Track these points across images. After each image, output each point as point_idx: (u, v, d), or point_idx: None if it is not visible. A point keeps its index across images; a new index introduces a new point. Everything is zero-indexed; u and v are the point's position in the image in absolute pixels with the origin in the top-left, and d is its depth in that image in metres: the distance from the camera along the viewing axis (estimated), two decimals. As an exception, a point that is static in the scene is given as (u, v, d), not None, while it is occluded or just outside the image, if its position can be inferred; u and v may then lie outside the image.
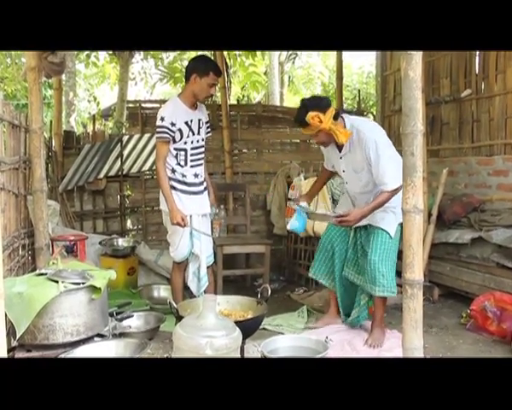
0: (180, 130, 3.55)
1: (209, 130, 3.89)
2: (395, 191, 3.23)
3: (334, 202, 5.26)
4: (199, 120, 3.69)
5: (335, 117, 3.32)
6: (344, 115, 3.48)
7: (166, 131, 3.50)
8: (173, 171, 3.62)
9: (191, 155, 3.67)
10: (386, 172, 3.23)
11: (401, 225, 3.24)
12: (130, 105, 6.43)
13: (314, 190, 3.94)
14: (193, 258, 3.75)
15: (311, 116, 3.24)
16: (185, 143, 3.61)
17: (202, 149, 3.77)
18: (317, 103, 3.32)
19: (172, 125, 3.51)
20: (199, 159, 3.74)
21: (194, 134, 3.65)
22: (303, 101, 3.44)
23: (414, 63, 2.28)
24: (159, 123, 3.52)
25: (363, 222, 3.48)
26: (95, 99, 11.99)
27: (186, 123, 3.59)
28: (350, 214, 3.35)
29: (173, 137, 3.55)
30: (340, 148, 3.48)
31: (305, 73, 14.48)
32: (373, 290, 3.44)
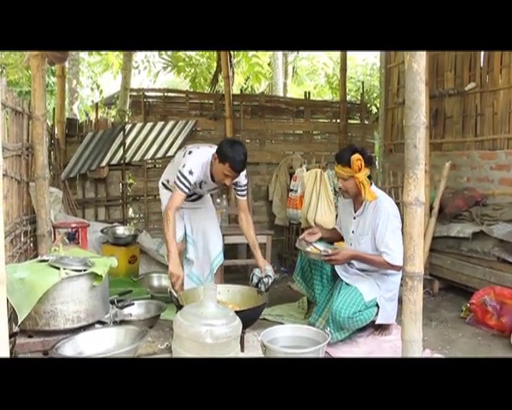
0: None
1: (244, 193, 3.68)
2: (391, 266, 3.29)
3: (336, 193, 5.27)
4: (214, 188, 3.68)
5: (369, 177, 3.40)
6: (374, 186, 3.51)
7: (188, 186, 3.38)
8: (167, 180, 3.75)
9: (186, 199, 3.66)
10: (390, 242, 3.26)
11: (377, 307, 3.37)
12: (134, 93, 6.42)
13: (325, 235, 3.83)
14: (186, 262, 3.86)
15: (356, 158, 3.27)
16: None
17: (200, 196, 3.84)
18: (363, 153, 3.36)
19: (195, 183, 3.45)
20: (195, 198, 3.82)
21: (201, 188, 3.64)
22: (351, 145, 3.54)
23: (418, 56, 2.27)
24: (185, 173, 3.35)
25: (345, 278, 3.44)
26: (98, 87, 11.95)
27: (200, 183, 3.54)
28: (339, 253, 3.37)
29: None
30: (356, 208, 3.53)
31: (308, 63, 14.41)
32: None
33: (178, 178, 3.36)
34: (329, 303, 3.46)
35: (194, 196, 3.81)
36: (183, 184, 3.35)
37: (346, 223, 3.66)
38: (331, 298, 3.49)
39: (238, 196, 3.68)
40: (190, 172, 3.36)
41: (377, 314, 3.41)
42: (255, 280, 3.45)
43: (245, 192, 3.67)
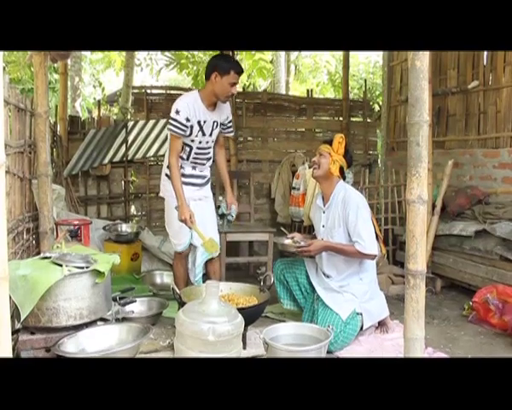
0: (191, 127, 3.51)
1: (231, 130, 3.85)
2: (363, 255, 3.34)
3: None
4: (213, 122, 3.63)
5: (344, 177, 3.59)
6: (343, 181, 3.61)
7: (179, 126, 3.46)
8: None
9: (195, 153, 3.65)
10: (362, 231, 3.32)
11: (361, 314, 3.35)
12: (136, 91, 6.43)
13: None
14: (192, 249, 3.77)
15: (340, 136, 3.51)
16: (192, 140, 3.58)
17: (209, 150, 3.75)
18: (348, 148, 3.58)
19: (187, 120, 3.47)
20: (202, 158, 3.72)
21: (204, 135, 3.61)
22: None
23: (421, 54, 2.26)
24: (173, 115, 3.46)
25: (321, 293, 3.43)
26: (100, 84, 11.97)
27: (199, 122, 3.54)
28: (311, 245, 3.44)
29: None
30: (325, 202, 3.58)
31: (311, 61, 14.39)
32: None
33: (169, 123, 3.49)
34: (315, 316, 3.43)
35: (198, 181, 3.74)
36: (174, 125, 3.47)
37: (317, 218, 3.70)
38: (314, 313, 3.47)
39: (227, 135, 3.90)
40: (177, 112, 3.46)
41: (363, 320, 3.41)
42: (219, 212, 3.79)
43: (232, 128, 3.87)
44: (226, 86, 3.45)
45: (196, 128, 3.54)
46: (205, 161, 3.75)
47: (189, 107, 3.48)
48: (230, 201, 3.76)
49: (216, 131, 3.69)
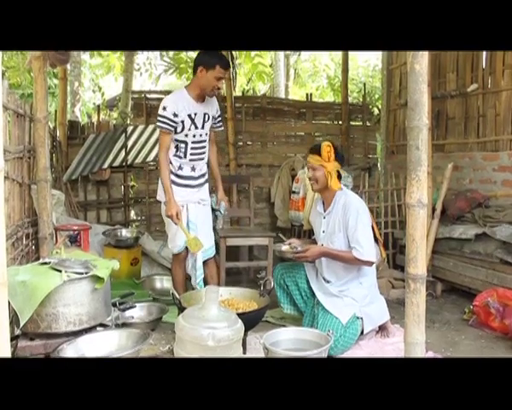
0: (182, 122, 3.55)
1: (220, 124, 3.90)
2: (361, 262, 3.32)
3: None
4: (204, 114, 3.65)
5: (339, 176, 3.51)
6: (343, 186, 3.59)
7: (167, 121, 3.50)
8: (170, 162, 3.64)
9: (192, 148, 3.66)
10: (360, 237, 3.30)
11: (361, 319, 3.33)
12: (135, 96, 6.45)
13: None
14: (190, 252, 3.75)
15: (327, 144, 3.41)
16: (186, 135, 3.61)
17: (204, 144, 3.75)
18: (335, 148, 3.48)
19: (175, 115, 3.51)
20: (199, 153, 3.73)
21: (196, 128, 3.63)
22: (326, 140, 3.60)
23: (420, 57, 2.26)
24: (160, 112, 3.52)
25: (320, 299, 3.41)
26: (99, 89, 11.97)
27: (189, 116, 3.57)
28: (308, 250, 3.43)
29: (175, 129, 3.54)
30: (325, 208, 3.57)
31: (310, 65, 14.42)
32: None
33: (157, 120, 3.56)
34: (315, 321, 3.42)
35: (196, 182, 3.74)
36: (161, 121, 3.52)
37: (317, 224, 3.68)
38: (315, 318, 3.46)
39: (217, 130, 3.93)
40: (164, 108, 3.52)
41: (363, 325, 3.39)
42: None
43: (221, 123, 3.93)
44: (212, 80, 3.50)
45: (188, 122, 3.57)
46: (202, 156, 3.77)
47: (176, 102, 3.53)
48: (221, 197, 3.90)
49: (208, 124, 3.73)
